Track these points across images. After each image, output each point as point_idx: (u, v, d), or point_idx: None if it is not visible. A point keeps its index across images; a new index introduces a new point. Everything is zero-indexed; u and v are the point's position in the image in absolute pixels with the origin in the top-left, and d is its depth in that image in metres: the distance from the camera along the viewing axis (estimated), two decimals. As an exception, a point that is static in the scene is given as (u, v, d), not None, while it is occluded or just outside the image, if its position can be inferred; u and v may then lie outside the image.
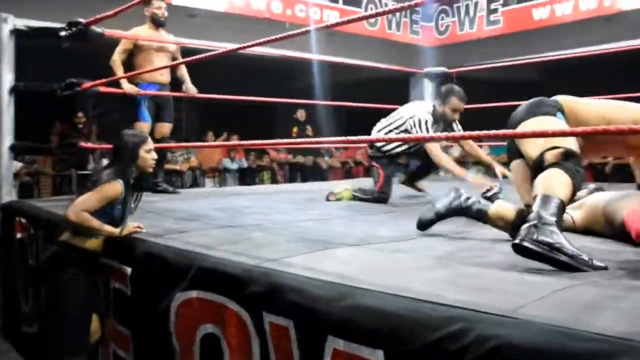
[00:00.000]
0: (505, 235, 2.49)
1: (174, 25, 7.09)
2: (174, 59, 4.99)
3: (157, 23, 4.89)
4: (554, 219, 1.97)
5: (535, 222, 1.95)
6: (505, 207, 2.53)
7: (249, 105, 5.98)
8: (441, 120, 4.15)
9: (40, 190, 7.85)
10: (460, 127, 4.34)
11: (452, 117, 4.09)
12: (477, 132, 2.09)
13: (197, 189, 7.92)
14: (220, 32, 7.83)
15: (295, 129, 10.25)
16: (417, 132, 4.05)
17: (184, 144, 8.77)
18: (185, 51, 7.41)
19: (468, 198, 2.58)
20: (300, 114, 10.29)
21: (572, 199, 2.16)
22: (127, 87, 4.67)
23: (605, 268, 1.90)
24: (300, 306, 1.75)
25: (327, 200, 4.44)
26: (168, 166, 8.61)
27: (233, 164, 9.78)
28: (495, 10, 9.45)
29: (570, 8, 8.66)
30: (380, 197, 4.22)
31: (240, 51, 3.39)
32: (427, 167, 4.55)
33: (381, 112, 4.81)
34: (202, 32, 7.56)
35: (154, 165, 2.86)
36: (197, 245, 2.40)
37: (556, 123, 2.32)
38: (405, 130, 4.16)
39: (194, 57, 3.57)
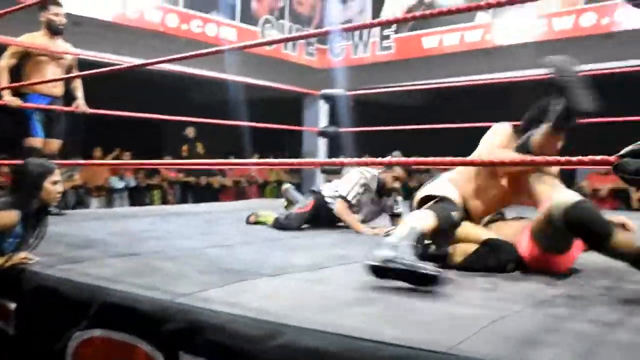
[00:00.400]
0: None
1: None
2: (69, 70, 4.65)
3: (53, 30, 4.51)
4: (407, 242, 2.16)
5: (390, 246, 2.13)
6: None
7: (138, 120, 5.70)
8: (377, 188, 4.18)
9: None
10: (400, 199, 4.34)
11: (391, 184, 4.12)
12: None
13: (84, 210, 7.43)
14: (109, 43, 7.48)
15: (185, 147, 9.97)
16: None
17: (97, 162, 8.26)
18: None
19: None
20: (189, 131, 10.02)
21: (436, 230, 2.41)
22: (9, 99, 4.25)
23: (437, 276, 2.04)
24: (224, 346, 1.63)
25: (248, 222, 4.32)
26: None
27: (121, 182, 9.28)
28: (388, 37, 9.71)
29: (457, 39, 9.06)
30: (291, 223, 4.11)
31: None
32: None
33: (275, 130, 4.74)
34: (89, 42, 7.18)
35: (59, 198, 2.68)
36: (99, 277, 2.20)
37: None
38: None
39: (97, 71, 3.29)
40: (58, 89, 4.56)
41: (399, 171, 4.10)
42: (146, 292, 1.95)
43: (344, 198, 4.08)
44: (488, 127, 2.87)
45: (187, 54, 2.80)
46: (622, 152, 1.69)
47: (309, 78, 10.05)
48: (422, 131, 6.33)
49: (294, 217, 4.11)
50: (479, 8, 2.06)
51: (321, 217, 4.17)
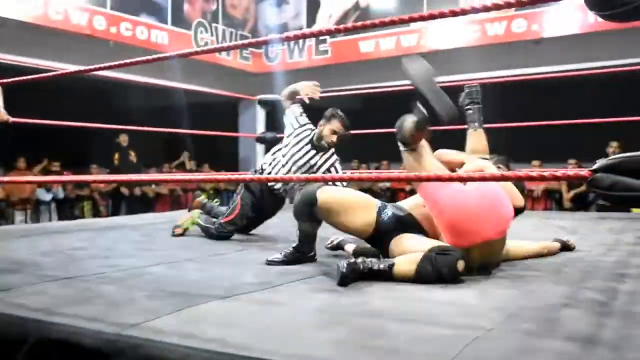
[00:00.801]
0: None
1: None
2: None
3: None
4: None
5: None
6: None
7: (65, 128, 5.37)
8: (318, 142, 3.94)
9: None
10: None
11: (330, 138, 3.90)
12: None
13: (7, 226, 6.96)
14: (33, 46, 7.10)
15: (117, 155, 9.58)
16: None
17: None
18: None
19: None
20: (123, 139, 9.63)
21: None
22: None
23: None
24: (182, 384, 1.48)
25: (173, 234, 4.14)
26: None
27: (48, 194, 8.78)
28: (324, 41, 9.65)
29: (393, 44, 9.08)
30: (224, 231, 3.98)
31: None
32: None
33: (210, 136, 4.57)
34: (10, 44, 6.81)
35: None
36: (32, 308, 1.98)
37: None
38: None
39: (25, 78, 3.05)
40: None
41: (337, 125, 3.90)
42: (89, 324, 1.76)
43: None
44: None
45: (130, 61, 2.64)
46: (595, 166, 1.64)
47: (244, 83, 9.89)
48: (362, 135, 6.29)
49: (224, 227, 3.99)
50: (412, 20, 2.03)
51: (265, 206, 4.10)
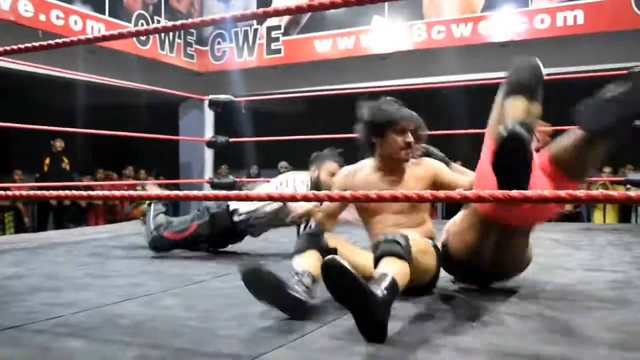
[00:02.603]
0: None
1: None
2: None
3: None
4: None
5: None
6: None
7: None
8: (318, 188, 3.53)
9: None
10: None
11: (328, 182, 3.42)
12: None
13: None
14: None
15: (47, 160, 8.68)
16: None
17: None
18: None
19: None
20: (58, 144, 8.72)
21: None
22: None
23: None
24: None
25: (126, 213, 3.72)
26: None
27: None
28: (277, 39, 9.13)
29: (352, 44, 8.69)
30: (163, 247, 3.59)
31: None
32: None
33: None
34: None
35: None
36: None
37: None
38: None
39: None
40: None
41: (331, 166, 3.49)
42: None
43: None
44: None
45: (40, 44, 2.10)
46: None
47: (188, 82, 9.27)
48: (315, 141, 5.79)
49: (165, 241, 3.58)
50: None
51: (215, 237, 3.65)
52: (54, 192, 2.02)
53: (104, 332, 1.84)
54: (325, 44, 8.80)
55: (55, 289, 2.54)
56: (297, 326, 1.87)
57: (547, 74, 2.23)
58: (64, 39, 2.15)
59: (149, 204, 3.80)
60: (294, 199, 2.05)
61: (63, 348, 1.67)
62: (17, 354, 1.62)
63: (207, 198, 2.79)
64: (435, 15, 8.22)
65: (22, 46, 2.15)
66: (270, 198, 2.18)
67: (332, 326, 1.89)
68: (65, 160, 8.82)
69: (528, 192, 1.34)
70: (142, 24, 8.53)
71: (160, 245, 3.60)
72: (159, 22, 8.81)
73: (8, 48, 2.21)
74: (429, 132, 2.81)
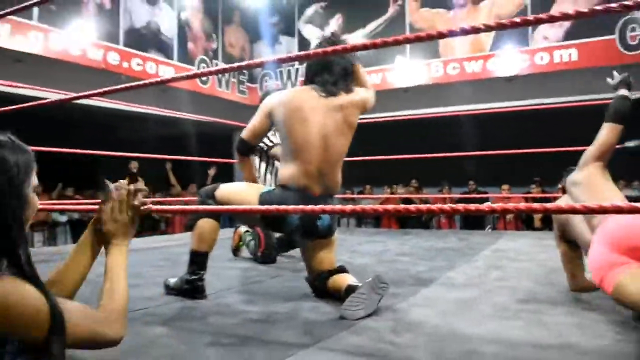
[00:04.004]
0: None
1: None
2: None
3: None
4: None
5: None
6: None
7: (75, 157, 4.82)
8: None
9: None
10: None
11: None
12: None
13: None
14: (51, 80, 6.49)
15: (127, 180, 8.89)
16: None
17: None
18: (9, 99, 6.06)
19: None
20: (134, 166, 8.97)
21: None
22: None
23: None
24: None
25: (236, 255, 3.70)
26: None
27: (63, 216, 8.07)
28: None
29: (379, 79, 8.72)
30: (267, 257, 3.42)
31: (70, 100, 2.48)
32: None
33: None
34: (30, 78, 6.18)
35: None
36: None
37: None
38: None
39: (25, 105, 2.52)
40: None
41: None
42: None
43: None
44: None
45: (124, 86, 2.17)
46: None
47: (240, 114, 9.42)
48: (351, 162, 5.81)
49: (264, 256, 3.42)
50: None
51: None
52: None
53: (181, 321, 1.91)
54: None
55: (138, 285, 2.62)
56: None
57: (547, 104, 2.23)
58: (143, 81, 2.25)
59: (246, 231, 3.68)
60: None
61: (150, 333, 1.74)
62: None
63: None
64: (450, 54, 8.24)
65: (111, 88, 2.27)
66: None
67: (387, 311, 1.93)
68: (140, 179, 9.04)
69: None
70: (203, 67, 8.74)
71: (267, 260, 3.42)
72: (216, 65, 9.00)
73: (101, 90, 2.32)
74: (448, 154, 2.80)
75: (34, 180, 1.06)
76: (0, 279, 0.92)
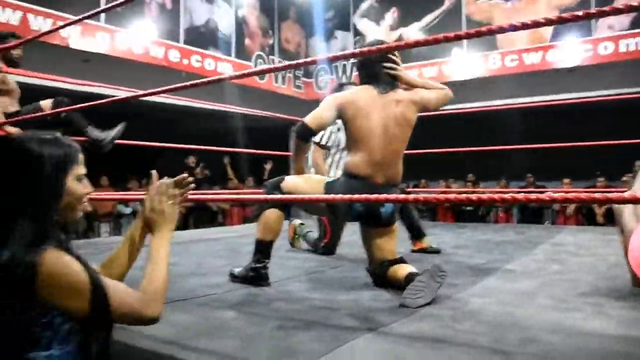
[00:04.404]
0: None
1: (68, 69, 6.03)
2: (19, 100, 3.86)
3: (11, 63, 3.69)
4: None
5: None
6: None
7: (137, 151, 5.04)
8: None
9: None
10: None
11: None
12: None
13: (94, 239, 6.56)
14: (115, 78, 6.80)
15: (186, 174, 9.21)
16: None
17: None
18: (79, 96, 6.39)
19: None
20: (191, 160, 9.29)
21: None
22: (13, 129, 3.55)
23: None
24: None
25: (293, 246, 3.76)
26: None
27: (128, 208, 8.47)
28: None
29: (435, 72, 8.66)
30: (328, 248, 3.50)
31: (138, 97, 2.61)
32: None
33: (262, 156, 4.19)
34: (97, 77, 6.50)
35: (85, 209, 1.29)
36: (162, 340, 1.57)
37: None
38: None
39: (99, 102, 2.68)
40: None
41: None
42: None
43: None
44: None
45: (184, 84, 2.28)
46: None
47: (296, 108, 9.56)
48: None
49: (324, 248, 3.50)
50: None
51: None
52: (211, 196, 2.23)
53: (248, 307, 2.02)
54: (411, 74, 8.81)
55: (205, 274, 2.75)
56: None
57: (611, 95, 2.20)
58: (203, 79, 2.34)
59: (300, 224, 3.82)
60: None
61: (220, 317, 1.86)
62: (187, 319, 1.82)
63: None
64: (509, 46, 8.08)
65: (174, 86, 2.35)
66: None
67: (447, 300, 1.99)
68: (198, 170, 9.35)
69: None
70: (260, 62, 8.92)
71: (326, 251, 3.51)
72: (273, 60, 9.18)
73: (169, 87, 2.42)
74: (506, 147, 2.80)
75: (77, 170, 1.18)
76: (48, 251, 1.05)
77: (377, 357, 1.43)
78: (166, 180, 1.41)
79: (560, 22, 1.44)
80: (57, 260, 1.05)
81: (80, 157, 1.19)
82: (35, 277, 1.01)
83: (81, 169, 1.19)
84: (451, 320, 1.77)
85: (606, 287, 2.30)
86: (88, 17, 2.84)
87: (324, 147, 3.66)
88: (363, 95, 2.37)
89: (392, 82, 2.40)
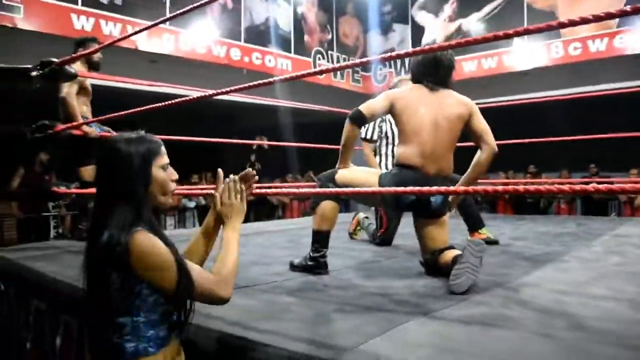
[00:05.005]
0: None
1: (137, 70, 6.36)
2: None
3: (93, 65, 4.01)
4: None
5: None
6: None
7: (201, 148, 5.26)
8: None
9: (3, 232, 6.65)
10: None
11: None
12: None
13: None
14: (181, 77, 7.10)
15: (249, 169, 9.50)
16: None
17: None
18: (147, 96, 6.72)
19: None
20: (252, 158, 9.57)
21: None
22: (89, 129, 3.83)
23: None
24: None
25: (352, 238, 3.95)
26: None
27: (192, 202, 8.84)
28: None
29: (495, 63, 8.53)
30: (384, 239, 3.61)
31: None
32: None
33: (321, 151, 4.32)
34: (164, 76, 6.82)
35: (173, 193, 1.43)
36: (228, 321, 1.71)
37: None
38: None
39: (173, 102, 2.87)
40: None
41: None
42: (297, 346, 1.47)
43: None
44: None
45: (248, 84, 2.42)
46: None
47: (355, 102, 9.61)
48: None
49: (381, 238, 3.60)
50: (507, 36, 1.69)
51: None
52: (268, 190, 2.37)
53: (307, 293, 2.15)
54: (471, 65, 8.73)
55: (267, 263, 2.89)
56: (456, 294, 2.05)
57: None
58: (265, 80, 2.46)
59: (365, 217, 3.95)
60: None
61: (283, 302, 2.00)
62: (252, 304, 1.97)
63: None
64: (573, 33, 7.83)
65: (236, 87, 2.48)
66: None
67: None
68: (258, 164, 9.60)
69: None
70: (319, 58, 9.07)
71: (383, 242, 3.62)
72: (331, 56, 9.29)
73: (240, 87, 2.54)
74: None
75: (161, 160, 1.34)
76: (139, 232, 1.22)
77: (428, 338, 1.52)
78: (233, 176, 1.55)
79: (620, 15, 1.47)
80: (146, 241, 1.21)
81: (162, 149, 1.37)
82: (129, 255, 1.19)
83: (164, 159, 1.36)
84: (501, 307, 1.84)
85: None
86: (161, 23, 3.05)
87: (371, 141, 3.77)
88: (415, 92, 2.51)
89: (443, 81, 2.50)
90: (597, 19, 1.50)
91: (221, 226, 1.54)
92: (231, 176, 1.58)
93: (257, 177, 1.63)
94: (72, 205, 3.98)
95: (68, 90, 3.83)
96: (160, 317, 1.26)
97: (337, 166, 2.67)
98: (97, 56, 3.96)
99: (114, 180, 1.28)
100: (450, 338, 1.51)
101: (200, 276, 1.31)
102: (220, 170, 1.62)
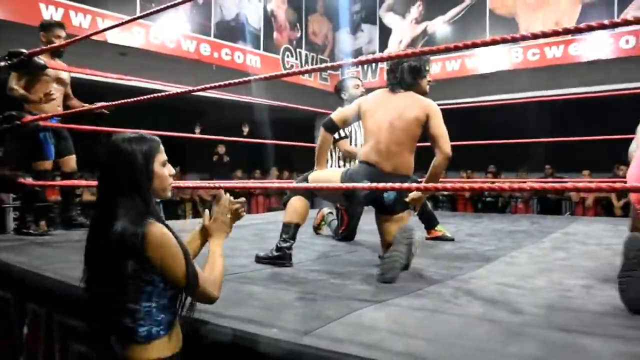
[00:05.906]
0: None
1: (105, 62, 6.32)
2: (66, 89, 4.11)
3: (55, 53, 3.89)
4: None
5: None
6: None
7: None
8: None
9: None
10: None
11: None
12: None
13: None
14: (150, 70, 7.09)
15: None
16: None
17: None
18: (116, 89, 6.71)
19: None
20: (220, 148, 9.62)
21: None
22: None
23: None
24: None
25: (317, 233, 4.09)
26: (86, 197, 7.60)
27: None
28: (394, 63, 9.38)
29: (458, 66, 8.76)
30: (346, 236, 3.73)
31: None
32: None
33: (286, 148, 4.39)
34: (132, 69, 6.79)
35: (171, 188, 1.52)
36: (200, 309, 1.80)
37: None
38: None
39: (150, 96, 2.95)
40: (61, 108, 3.99)
41: None
42: (260, 330, 1.57)
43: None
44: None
45: (225, 82, 2.57)
46: None
47: (323, 100, 9.72)
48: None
49: (342, 234, 3.73)
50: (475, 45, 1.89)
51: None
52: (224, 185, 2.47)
53: (271, 282, 2.26)
54: (435, 67, 8.92)
55: (234, 256, 2.97)
56: (409, 284, 2.19)
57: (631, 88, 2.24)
58: (236, 80, 2.56)
59: (329, 212, 4.06)
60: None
61: (248, 290, 2.10)
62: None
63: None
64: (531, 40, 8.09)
65: (216, 84, 2.61)
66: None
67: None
68: (227, 157, 9.67)
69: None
70: (288, 55, 9.14)
71: (345, 238, 3.72)
72: (300, 53, 9.37)
73: (220, 84, 2.62)
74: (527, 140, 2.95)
75: (160, 157, 1.46)
76: (152, 224, 1.33)
77: (382, 322, 1.65)
78: (229, 197, 1.72)
79: (578, 31, 1.62)
80: (160, 232, 1.33)
81: (161, 147, 1.48)
82: (146, 245, 1.30)
83: (163, 156, 1.48)
84: (451, 297, 1.98)
85: (603, 272, 2.47)
86: (138, 19, 3.10)
87: (343, 138, 3.88)
88: (378, 95, 2.72)
89: (406, 83, 2.64)
90: (555, 33, 1.66)
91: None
92: (227, 196, 1.72)
93: (245, 203, 1.78)
94: (23, 197, 3.91)
95: (14, 84, 3.75)
96: (168, 301, 1.38)
97: (314, 168, 2.88)
98: (59, 42, 3.81)
99: (119, 176, 1.38)
100: (401, 322, 1.64)
101: (198, 271, 1.45)
102: (222, 192, 1.77)
